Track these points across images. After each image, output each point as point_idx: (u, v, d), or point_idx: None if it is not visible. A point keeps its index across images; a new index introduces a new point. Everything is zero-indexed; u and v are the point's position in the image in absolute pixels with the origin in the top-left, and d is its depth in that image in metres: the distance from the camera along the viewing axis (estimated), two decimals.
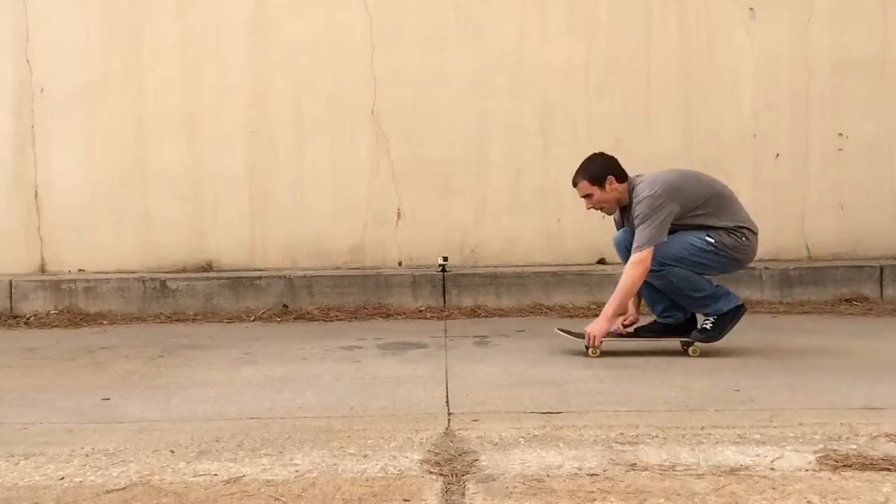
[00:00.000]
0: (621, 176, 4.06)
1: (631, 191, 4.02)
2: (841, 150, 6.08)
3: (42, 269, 6.10)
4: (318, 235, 6.10)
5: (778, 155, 6.09)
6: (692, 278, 3.96)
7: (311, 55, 6.07)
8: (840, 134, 6.09)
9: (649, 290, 4.13)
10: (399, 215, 6.10)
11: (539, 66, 6.07)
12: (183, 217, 6.10)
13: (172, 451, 2.58)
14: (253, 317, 5.46)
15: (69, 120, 6.08)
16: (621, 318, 4.17)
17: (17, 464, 2.50)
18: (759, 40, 6.06)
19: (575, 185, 4.12)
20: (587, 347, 4.01)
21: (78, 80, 6.04)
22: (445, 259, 5.80)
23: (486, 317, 5.37)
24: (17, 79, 6.07)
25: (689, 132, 6.09)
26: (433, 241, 6.05)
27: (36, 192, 6.10)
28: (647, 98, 6.08)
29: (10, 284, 5.64)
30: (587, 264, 5.96)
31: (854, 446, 2.50)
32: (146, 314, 5.56)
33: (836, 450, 2.46)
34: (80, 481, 2.34)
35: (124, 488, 2.28)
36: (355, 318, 5.39)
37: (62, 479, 2.36)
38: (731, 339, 4.44)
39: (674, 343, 4.10)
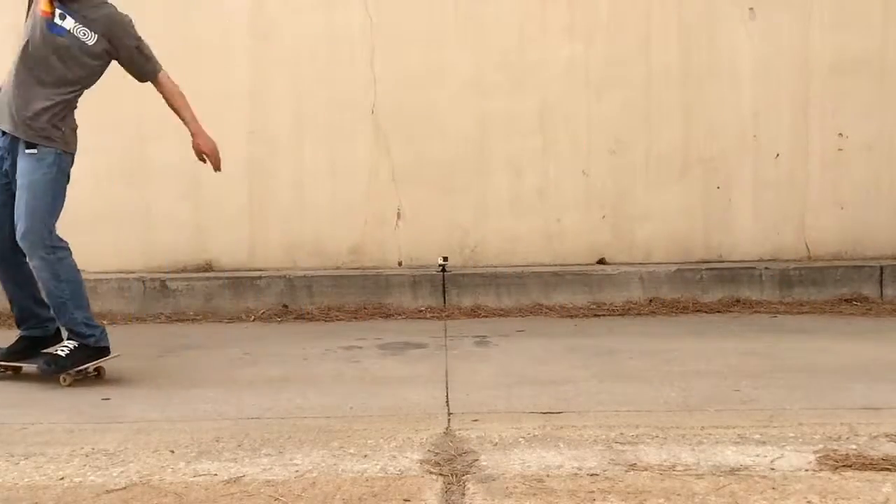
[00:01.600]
0: None
1: None
2: (841, 150, 6.07)
3: None
4: (318, 235, 6.10)
5: (778, 155, 6.09)
6: (81, 284, 3.65)
7: (311, 55, 6.06)
8: (840, 134, 6.08)
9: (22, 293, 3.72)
10: (399, 215, 6.10)
11: (539, 66, 6.06)
12: (183, 217, 6.09)
13: (172, 451, 2.58)
14: (253, 317, 5.46)
15: None
16: None
17: (17, 464, 2.50)
18: (759, 40, 6.05)
19: None
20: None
21: None
22: (445, 259, 5.80)
23: (486, 317, 5.37)
24: None
25: (689, 132, 6.08)
26: (433, 241, 6.05)
27: None
28: (647, 98, 6.07)
29: None
30: (587, 264, 5.96)
31: (854, 446, 2.50)
32: (146, 314, 5.56)
33: (836, 450, 2.46)
34: (80, 481, 2.35)
35: (124, 488, 2.28)
36: (355, 318, 5.39)
37: (62, 479, 2.37)
38: (730, 339, 4.44)
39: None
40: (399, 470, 2.37)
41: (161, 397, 3.34)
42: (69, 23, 3.64)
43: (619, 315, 5.34)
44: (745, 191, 6.08)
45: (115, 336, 4.93)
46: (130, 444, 2.68)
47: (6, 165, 3.67)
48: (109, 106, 6.08)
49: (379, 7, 6.04)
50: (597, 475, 2.30)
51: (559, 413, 2.96)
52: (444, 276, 5.64)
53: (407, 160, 6.06)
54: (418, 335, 4.71)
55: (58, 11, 3.62)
